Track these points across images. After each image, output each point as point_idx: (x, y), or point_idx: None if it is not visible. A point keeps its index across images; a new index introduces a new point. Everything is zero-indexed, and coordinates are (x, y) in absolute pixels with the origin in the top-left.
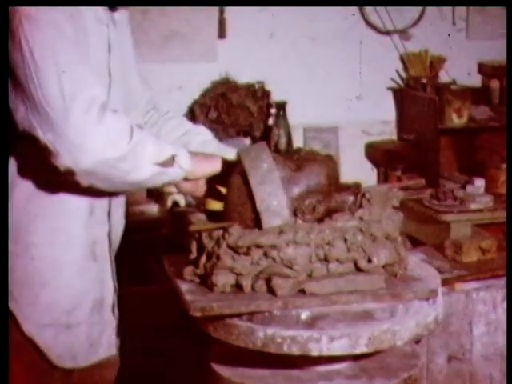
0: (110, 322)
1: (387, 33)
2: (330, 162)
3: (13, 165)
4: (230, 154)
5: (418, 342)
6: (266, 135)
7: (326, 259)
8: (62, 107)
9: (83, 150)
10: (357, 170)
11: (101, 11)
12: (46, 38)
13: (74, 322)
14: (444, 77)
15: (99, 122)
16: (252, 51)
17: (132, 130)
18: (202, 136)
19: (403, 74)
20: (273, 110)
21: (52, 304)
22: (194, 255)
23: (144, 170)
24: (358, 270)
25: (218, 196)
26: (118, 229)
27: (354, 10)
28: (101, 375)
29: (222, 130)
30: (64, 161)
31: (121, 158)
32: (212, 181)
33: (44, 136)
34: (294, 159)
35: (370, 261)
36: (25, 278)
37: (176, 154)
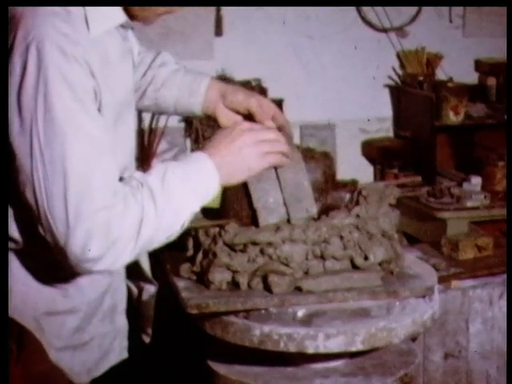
0: (122, 327)
1: (384, 30)
2: (326, 160)
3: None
4: (202, 83)
5: (414, 339)
6: None
7: (322, 256)
8: (65, 233)
9: (86, 269)
10: (353, 167)
11: (121, 28)
12: (58, 139)
13: (88, 338)
14: (441, 74)
15: (99, 255)
16: (249, 49)
17: (141, 222)
18: (167, 67)
19: (400, 72)
20: None
21: (75, 327)
22: (190, 252)
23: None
24: (355, 267)
25: None
26: None
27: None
28: None
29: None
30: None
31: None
32: None
33: (44, 234)
34: None
35: (366, 258)
36: (52, 307)
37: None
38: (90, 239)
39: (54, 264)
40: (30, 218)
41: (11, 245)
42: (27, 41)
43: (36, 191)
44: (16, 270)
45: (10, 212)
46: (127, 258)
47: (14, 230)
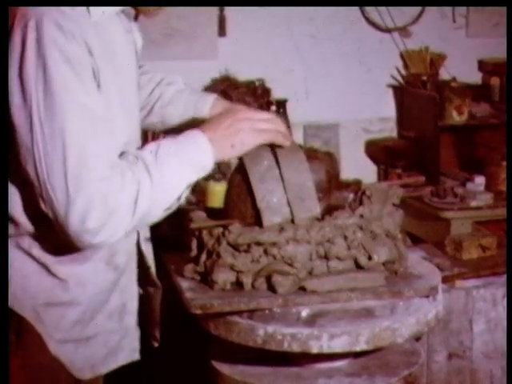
0: (131, 327)
1: (387, 30)
2: (330, 160)
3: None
4: (207, 101)
5: (418, 339)
6: None
7: (326, 257)
8: (65, 204)
9: (86, 241)
10: (357, 167)
11: (125, 20)
12: (57, 111)
13: (91, 334)
14: (444, 74)
15: (98, 226)
16: (252, 49)
17: (138, 194)
18: (175, 86)
19: (403, 72)
20: (273, 108)
21: (75, 321)
22: (194, 253)
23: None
24: (359, 267)
25: None
26: (146, 234)
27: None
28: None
29: None
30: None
31: (133, 226)
32: None
33: (46, 208)
34: None
35: (370, 258)
36: (52, 298)
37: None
38: (88, 210)
39: (54, 252)
40: (32, 195)
41: (12, 230)
42: (26, 17)
43: (36, 163)
44: (16, 259)
45: (12, 192)
46: (125, 230)
47: (15, 211)
